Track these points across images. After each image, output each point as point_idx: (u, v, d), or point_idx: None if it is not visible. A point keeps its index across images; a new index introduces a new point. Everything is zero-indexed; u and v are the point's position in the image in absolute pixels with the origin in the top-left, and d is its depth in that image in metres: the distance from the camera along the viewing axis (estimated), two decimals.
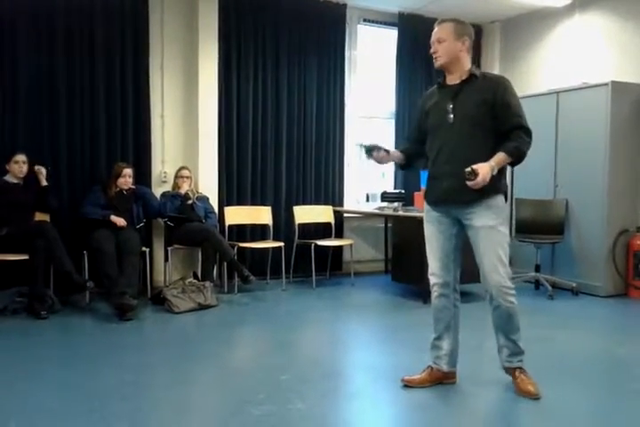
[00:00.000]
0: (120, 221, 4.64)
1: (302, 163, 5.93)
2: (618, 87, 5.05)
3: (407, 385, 2.87)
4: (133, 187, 4.87)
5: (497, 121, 2.73)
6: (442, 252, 2.85)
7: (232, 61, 5.48)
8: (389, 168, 6.53)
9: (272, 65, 5.68)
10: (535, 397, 2.74)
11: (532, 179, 5.63)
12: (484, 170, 2.58)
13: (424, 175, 5.96)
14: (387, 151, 2.93)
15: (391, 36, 6.41)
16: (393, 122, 6.42)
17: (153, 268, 5.10)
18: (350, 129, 6.25)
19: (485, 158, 2.66)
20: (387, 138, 6.53)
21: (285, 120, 5.78)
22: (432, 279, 2.89)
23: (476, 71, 2.79)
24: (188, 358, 3.36)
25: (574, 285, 5.20)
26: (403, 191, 5.94)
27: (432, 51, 2.83)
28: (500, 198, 2.77)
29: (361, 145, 2.95)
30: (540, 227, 5.42)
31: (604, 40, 5.63)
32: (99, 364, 3.21)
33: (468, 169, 2.59)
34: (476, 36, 6.61)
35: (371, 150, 2.92)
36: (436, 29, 2.83)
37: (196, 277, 4.88)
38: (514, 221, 5.68)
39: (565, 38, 6.00)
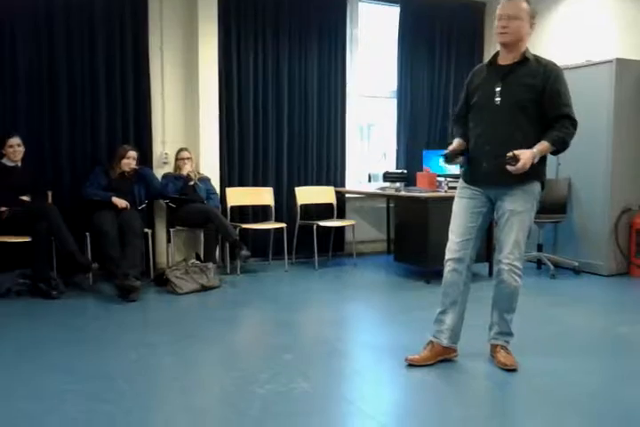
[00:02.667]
0: (122, 203, 4.63)
1: (304, 143, 5.89)
2: (622, 64, 4.99)
3: (411, 364, 2.88)
4: (136, 167, 4.85)
5: (543, 108, 2.72)
6: (465, 228, 2.87)
7: (232, 40, 5.41)
8: (391, 148, 6.50)
9: (272, 44, 5.61)
10: (511, 367, 2.82)
11: None
12: (526, 156, 2.61)
13: (426, 155, 5.98)
14: (462, 153, 2.88)
15: (393, 13, 6.32)
16: (395, 101, 6.36)
17: (155, 249, 5.11)
18: (352, 108, 6.20)
19: (528, 144, 2.68)
20: (388, 117, 6.49)
21: (286, 100, 5.73)
22: (448, 254, 2.91)
23: (529, 54, 2.76)
24: (192, 339, 3.38)
25: (576, 264, 5.21)
26: (405, 171, 5.91)
27: (501, 25, 2.70)
28: (537, 185, 2.82)
29: (442, 156, 2.90)
30: (542, 206, 5.37)
31: (609, 16, 5.54)
32: (102, 344, 3.23)
33: (510, 154, 2.60)
34: (480, 13, 6.64)
35: (452, 159, 2.87)
36: (508, 4, 2.70)
37: (198, 258, 4.89)
38: None
39: (569, 15, 5.91)
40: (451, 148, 2.90)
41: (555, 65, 2.78)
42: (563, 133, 2.70)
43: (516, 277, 2.81)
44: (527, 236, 2.84)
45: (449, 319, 2.91)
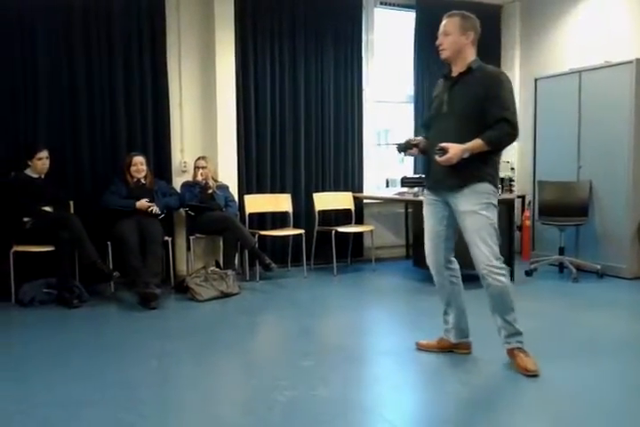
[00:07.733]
0: (143, 205, 4.65)
1: (321, 149, 5.91)
2: None
3: (419, 348, 3.16)
4: (144, 172, 4.86)
5: (487, 115, 2.80)
6: (433, 233, 3.02)
7: (249, 48, 5.45)
8: None
9: (289, 51, 5.65)
10: (532, 373, 2.78)
11: (554, 160, 5.56)
12: (455, 149, 2.73)
13: None
14: (416, 145, 3.03)
15: (409, 18, 6.32)
16: (411, 106, 6.35)
17: (175, 257, 5.14)
18: (368, 114, 6.20)
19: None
20: (405, 122, 6.48)
21: (303, 106, 5.75)
22: (426, 259, 3.08)
23: (475, 64, 2.88)
24: (213, 346, 3.40)
25: (599, 267, 5.13)
26: (423, 176, 5.85)
27: (438, 43, 2.92)
28: (485, 186, 2.85)
29: (396, 145, 3.09)
30: (563, 209, 5.33)
31: (628, 16, 5.48)
32: (124, 352, 3.26)
33: (438, 147, 2.75)
34: (497, 16, 6.61)
35: (405, 149, 3.04)
36: (443, 22, 2.92)
37: (217, 265, 4.92)
38: (536, 204, 5.62)
39: (587, 15, 5.86)
40: (408, 138, 3.07)
41: (499, 72, 2.91)
42: (496, 132, 2.77)
43: (499, 277, 2.81)
44: (495, 235, 2.83)
45: (450, 318, 3.08)
